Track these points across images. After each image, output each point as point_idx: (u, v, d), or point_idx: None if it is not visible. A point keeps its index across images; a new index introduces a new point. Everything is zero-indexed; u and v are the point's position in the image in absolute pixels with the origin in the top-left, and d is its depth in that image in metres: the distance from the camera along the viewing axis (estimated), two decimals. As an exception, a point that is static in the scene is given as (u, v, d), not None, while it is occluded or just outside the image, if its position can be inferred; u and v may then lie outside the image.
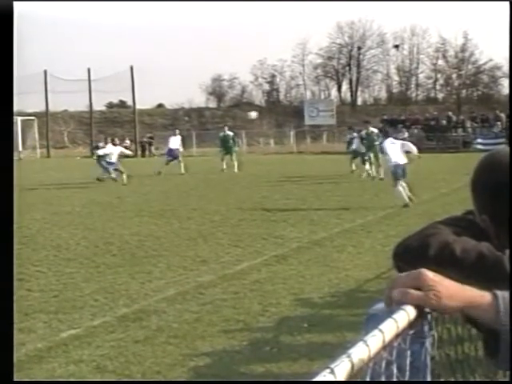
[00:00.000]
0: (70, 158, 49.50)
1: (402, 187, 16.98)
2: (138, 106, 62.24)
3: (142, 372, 5.82)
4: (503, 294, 1.25)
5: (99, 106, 70.43)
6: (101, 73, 60.97)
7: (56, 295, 8.64)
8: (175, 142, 30.49)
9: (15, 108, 62.26)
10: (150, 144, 56.27)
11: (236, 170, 30.17)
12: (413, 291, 1.22)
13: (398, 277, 1.28)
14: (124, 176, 25.48)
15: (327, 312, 7.71)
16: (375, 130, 25.70)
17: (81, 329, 7.14)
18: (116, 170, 25.93)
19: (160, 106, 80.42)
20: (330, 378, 1.00)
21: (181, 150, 31.09)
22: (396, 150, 17.74)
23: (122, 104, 74.96)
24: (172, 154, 30.03)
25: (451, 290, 1.25)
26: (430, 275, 1.24)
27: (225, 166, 30.53)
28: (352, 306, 7.72)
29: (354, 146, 27.01)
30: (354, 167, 26.83)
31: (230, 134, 32.88)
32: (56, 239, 13.18)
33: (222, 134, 33.32)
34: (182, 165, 29.47)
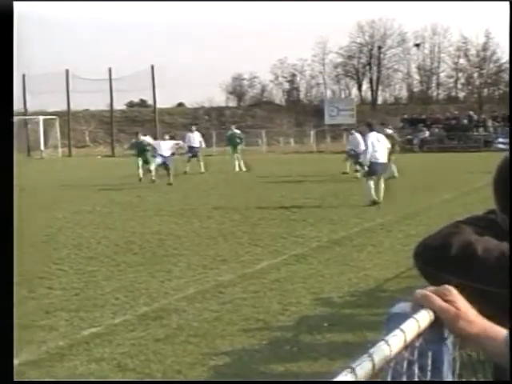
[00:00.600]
0: (90, 157, 49.70)
1: (374, 184, 17.19)
2: (158, 105, 62.47)
3: (163, 371, 5.84)
4: None
5: (120, 105, 70.71)
6: (121, 72, 61.23)
7: (77, 293, 8.69)
8: (195, 139, 30.40)
9: (37, 108, 62.78)
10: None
11: (237, 168, 30.25)
12: (435, 297, 1.21)
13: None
14: (171, 174, 24.50)
15: (347, 311, 7.70)
16: (389, 131, 25.14)
17: (102, 327, 7.18)
18: (165, 166, 24.60)
19: (180, 105, 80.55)
20: (351, 377, 1.00)
21: (203, 146, 31.15)
22: (381, 147, 17.80)
23: (143, 103, 75.17)
24: (192, 152, 29.92)
25: (471, 316, 1.24)
26: (456, 292, 1.23)
27: (237, 168, 30.54)
28: (372, 305, 7.71)
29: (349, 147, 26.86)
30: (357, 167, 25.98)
31: (237, 132, 33.14)
32: (77, 238, 13.25)
33: (229, 132, 33.60)
34: (202, 164, 29.48)
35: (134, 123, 68.06)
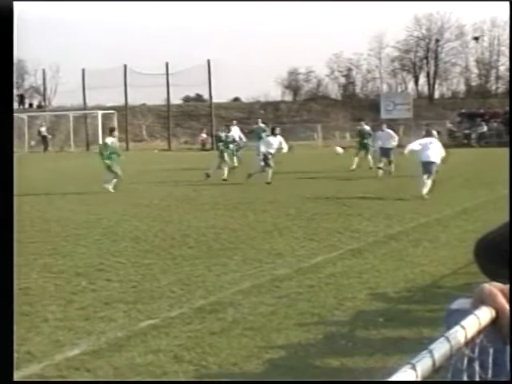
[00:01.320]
0: (148, 151, 50.20)
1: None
2: (214, 100, 62.68)
3: (219, 363, 5.89)
4: None
5: (176, 99, 71.22)
6: (178, 67, 61.66)
7: (134, 286, 8.81)
8: (235, 135, 29.75)
9: (96, 102, 63.70)
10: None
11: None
12: (500, 295, 1.19)
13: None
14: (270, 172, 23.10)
15: (403, 307, 7.66)
16: (367, 128, 24.59)
17: (159, 319, 7.27)
18: (266, 163, 23.09)
19: (236, 99, 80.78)
20: (411, 373, 1.00)
21: (243, 140, 31.27)
22: (433, 147, 17.93)
23: (199, 98, 75.59)
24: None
25: None
26: None
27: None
28: (428, 301, 7.64)
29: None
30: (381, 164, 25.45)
31: (262, 125, 33.32)
32: (134, 231, 13.42)
33: (255, 126, 33.85)
34: (236, 159, 28.80)
35: (190, 118, 68.55)
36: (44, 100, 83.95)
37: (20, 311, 7.62)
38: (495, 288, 1.21)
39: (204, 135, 55.53)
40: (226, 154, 25.13)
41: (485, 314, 1.14)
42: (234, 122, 32.55)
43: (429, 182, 17.61)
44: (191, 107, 73.12)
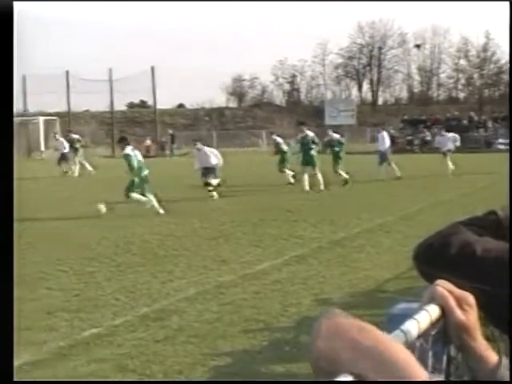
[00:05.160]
0: (91, 158, 49.65)
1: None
2: (158, 106, 62.46)
3: (164, 371, 5.85)
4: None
5: (120, 106, 70.78)
6: (122, 73, 61.28)
7: (77, 294, 8.70)
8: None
9: (38, 108, 62.84)
10: (172, 142, 56.06)
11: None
12: (452, 301, 1.19)
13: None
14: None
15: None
16: (311, 134, 24.20)
17: (102, 328, 7.18)
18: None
19: (181, 106, 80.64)
20: (348, 379, 1.00)
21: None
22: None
23: (143, 104, 75.28)
24: None
25: (478, 335, 1.21)
26: (474, 304, 1.21)
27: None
28: (372, 306, 7.71)
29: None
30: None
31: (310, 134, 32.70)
32: (77, 239, 13.25)
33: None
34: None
35: (134, 124, 68.19)
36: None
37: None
38: (450, 291, 1.21)
39: (148, 142, 55.20)
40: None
41: (424, 318, 1.14)
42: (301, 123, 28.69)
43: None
44: (135, 113, 72.79)
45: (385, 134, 27.65)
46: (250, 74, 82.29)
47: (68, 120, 58.29)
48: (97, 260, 11.03)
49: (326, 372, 0.97)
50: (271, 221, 15.06)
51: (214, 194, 20.07)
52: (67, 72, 60.47)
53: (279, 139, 27.00)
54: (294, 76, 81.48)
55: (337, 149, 25.31)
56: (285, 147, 26.12)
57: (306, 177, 21.92)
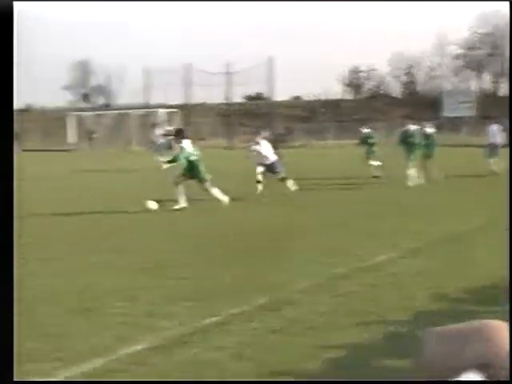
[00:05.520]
0: (209, 149, 50.57)
1: None
2: (275, 98, 62.83)
3: (279, 361, 5.95)
4: None
5: (237, 98, 71.65)
6: (239, 66, 62.01)
7: (197, 283, 8.93)
8: None
9: (160, 100, 64.50)
10: (288, 135, 56.46)
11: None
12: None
13: None
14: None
15: (464, 307, 7.59)
16: (414, 127, 23.09)
17: (220, 316, 7.37)
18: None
19: (297, 98, 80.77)
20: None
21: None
22: None
23: (260, 96, 75.86)
24: None
25: None
26: None
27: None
28: (490, 302, 7.57)
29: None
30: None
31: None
32: (195, 228, 13.61)
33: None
34: None
35: (251, 116, 68.86)
36: (108, 99, 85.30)
37: (85, 307, 7.85)
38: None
39: (265, 134, 55.63)
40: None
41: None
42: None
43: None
44: (252, 106, 73.42)
45: (496, 127, 26.70)
46: (367, 66, 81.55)
47: (187, 112, 59.52)
48: (216, 249, 11.30)
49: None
50: (385, 214, 14.98)
51: (291, 183, 19.92)
52: (188, 65, 61.80)
53: (369, 130, 27.12)
54: (411, 67, 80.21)
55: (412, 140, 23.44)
56: (374, 139, 26.13)
57: (412, 171, 21.74)
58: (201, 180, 16.92)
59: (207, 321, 7.22)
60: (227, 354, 6.14)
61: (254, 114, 69.21)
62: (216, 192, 16.89)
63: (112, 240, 12.60)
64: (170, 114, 58.27)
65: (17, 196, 6.19)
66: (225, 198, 16.81)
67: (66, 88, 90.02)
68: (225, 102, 67.22)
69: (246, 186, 21.06)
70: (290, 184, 19.54)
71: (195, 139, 57.64)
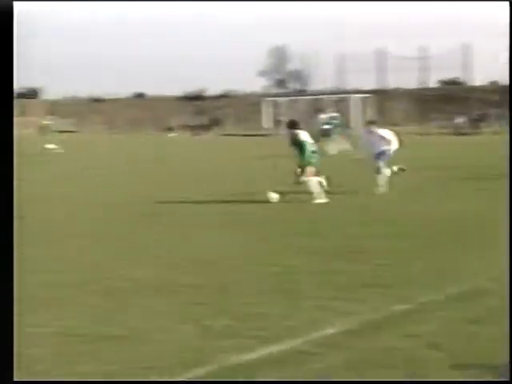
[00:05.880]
0: (403, 135, 49.90)
1: None
2: (470, 83, 60.91)
3: (474, 352, 5.79)
4: None
5: (431, 83, 70.17)
6: (432, 50, 60.68)
7: (388, 270, 8.89)
8: None
9: (352, 86, 64.56)
10: (484, 120, 54.57)
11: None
12: None
13: None
14: None
15: None
16: None
17: (411, 304, 7.31)
18: None
19: (493, 83, 77.81)
20: None
21: None
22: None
23: (455, 81, 73.77)
24: None
25: None
26: None
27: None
28: None
29: None
30: None
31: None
32: (393, 213, 13.78)
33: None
34: None
35: (445, 101, 67.08)
36: (304, 84, 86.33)
37: (282, 288, 8.07)
38: None
39: (460, 119, 54.15)
40: None
41: None
42: None
43: None
44: (447, 91, 71.48)
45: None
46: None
47: (381, 97, 59.09)
48: (408, 237, 11.23)
49: None
50: None
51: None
52: (381, 51, 61.30)
53: None
54: None
55: None
56: None
57: None
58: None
59: (398, 307, 7.18)
60: (421, 342, 6.03)
61: (448, 98, 67.39)
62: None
63: (307, 224, 12.90)
64: (363, 99, 58.15)
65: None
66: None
67: (262, 74, 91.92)
68: (419, 87, 65.92)
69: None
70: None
71: (388, 125, 57.24)
